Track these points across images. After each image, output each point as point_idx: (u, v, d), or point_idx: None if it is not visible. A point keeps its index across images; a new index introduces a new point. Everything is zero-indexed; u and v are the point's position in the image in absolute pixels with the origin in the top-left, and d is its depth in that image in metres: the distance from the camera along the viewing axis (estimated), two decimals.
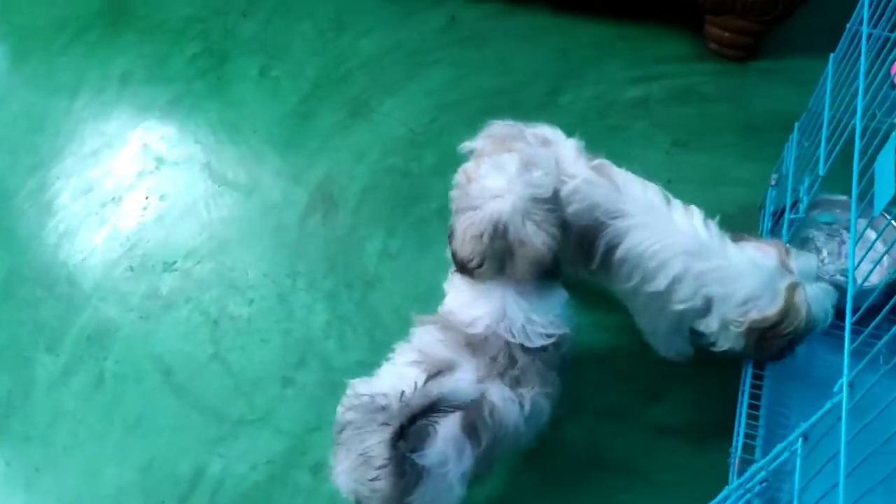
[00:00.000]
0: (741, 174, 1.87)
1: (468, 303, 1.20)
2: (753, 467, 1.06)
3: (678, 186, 1.83)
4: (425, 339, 1.17)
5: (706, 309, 1.27)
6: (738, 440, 1.39)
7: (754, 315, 1.21)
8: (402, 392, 1.02)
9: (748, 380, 1.45)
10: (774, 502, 1.29)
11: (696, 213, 1.33)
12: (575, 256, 1.38)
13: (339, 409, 1.10)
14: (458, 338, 1.16)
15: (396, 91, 2.04)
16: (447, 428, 1.06)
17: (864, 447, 0.87)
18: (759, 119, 1.98)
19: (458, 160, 1.88)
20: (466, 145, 1.45)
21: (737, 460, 1.37)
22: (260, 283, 1.70)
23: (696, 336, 1.39)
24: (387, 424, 0.99)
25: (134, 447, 1.50)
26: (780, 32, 2.06)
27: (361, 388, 1.10)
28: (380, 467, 1.00)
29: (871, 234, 1.62)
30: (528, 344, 1.14)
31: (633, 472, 1.44)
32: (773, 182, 1.69)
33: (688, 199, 1.79)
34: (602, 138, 1.93)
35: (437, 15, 2.23)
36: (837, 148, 1.24)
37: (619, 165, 1.85)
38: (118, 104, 2.07)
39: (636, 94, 2.03)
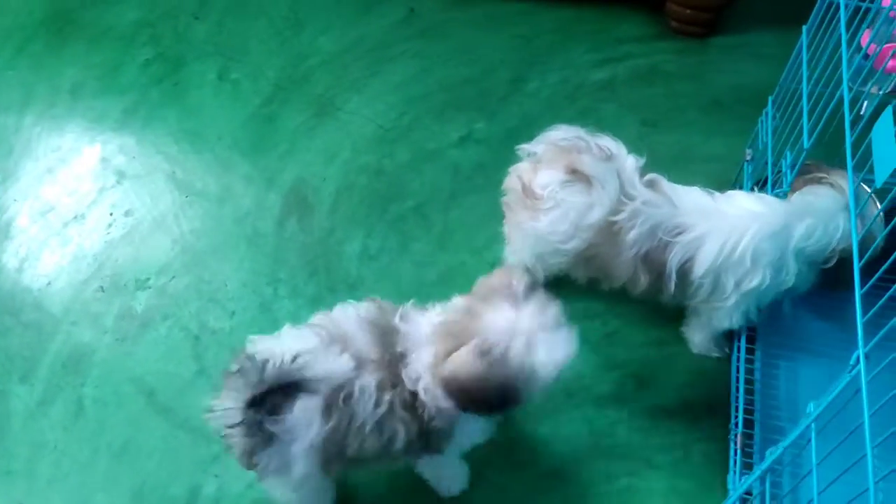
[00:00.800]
0: (711, 150, 1.88)
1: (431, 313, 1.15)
2: (779, 448, 1.07)
3: (652, 167, 1.84)
4: (347, 311, 1.16)
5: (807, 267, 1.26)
6: (738, 416, 1.40)
7: (843, 245, 1.22)
8: (265, 361, 1.02)
9: (742, 354, 1.47)
10: (778, 475, 1.30)
11: (740, 194, 1.31)
12: (648, 285, 1.32)
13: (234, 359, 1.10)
14: (378, 319, 1.14)
15: (361, 88, 2.00)
16: (307, 402, 1.06)
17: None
18: (723, 94, 2.00)
19: (430, 155, 1.87)
20: (525, 148, 1.39)
21: (738, 436, 1.39)
22: (240, 294, 1.65)
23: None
24: (248, 388, 1.03)
25: (123, 474, 1.45)
26: (738, 7, 2.08)
27: (256, 345, 1.11)
28: (232, 426, 1.05)
29: None
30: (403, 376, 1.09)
31: (633, 457, 1.45)
32: (748, 157, 1.71)
33: (665, 178, 1.81)
34: (573, 123, 1.91)
35: (395, 8, 2.19)
36: (823, 120, 1.25)
37: None
38: (71, 118, 1.99)
39: (602, 76, 2.03)
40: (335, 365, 1.07)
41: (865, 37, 1.48)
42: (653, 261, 1.28)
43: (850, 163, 1.05)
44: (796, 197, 1.29)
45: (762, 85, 2.01)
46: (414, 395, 1.10)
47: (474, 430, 1.20)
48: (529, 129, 1.90)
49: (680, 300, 1.38)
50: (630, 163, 1.29)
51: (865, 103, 1.57)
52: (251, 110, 1.96)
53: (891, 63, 1.51)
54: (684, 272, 1.28)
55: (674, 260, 1.26)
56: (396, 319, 1.14)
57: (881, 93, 1.62)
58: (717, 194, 1.32)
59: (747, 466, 1.36)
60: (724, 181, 1.81)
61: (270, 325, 1.60)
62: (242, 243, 1.73)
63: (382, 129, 1.92)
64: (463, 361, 1.03)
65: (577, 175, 1.26)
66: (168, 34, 2.15)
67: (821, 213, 1.25)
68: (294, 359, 1.04)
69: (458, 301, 1.13)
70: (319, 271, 1.68)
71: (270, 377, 1.02)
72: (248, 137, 1.91)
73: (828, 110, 1.24)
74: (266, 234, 1.74)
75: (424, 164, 1.86)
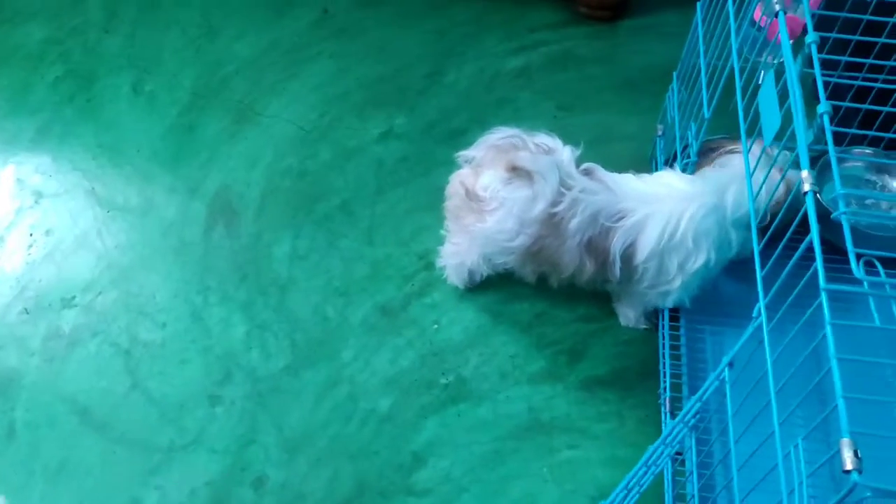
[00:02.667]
0: (626, 129, 1.94)
1: None
2: (690, 402, 1.12)
3: None
4: None
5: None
6: (666, 381, 1.46)
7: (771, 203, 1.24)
8: None
9: (666, 322, 1.52)
10: (707, 433, 1.36)
11: (666, 174, 1.36)
12: (594, 273, 1.35)
13: None
14: None
15: (280, 91, 2.00)
16: None
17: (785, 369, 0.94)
18: (634, 75, 2.06)
19: (352, 153, 1.89)
20: (464, 154, 1.41)
21: (667, 399, 1.45)
22: (170, 305, 1.64)
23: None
24: None
25: (61, 495, 1.43)
26: None
27: None
28: None
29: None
30: None
31: (572, 429, 1.49)
32: (659, 132, 1.77)
33: (582, 160, 1.86)
34: (491, 113, 1.96)
35: (308, 9, 2.19)
36: (718, 90, 1.31)
37: None
38: None
39: (517, 64, 2.07)
40: None
41: (758, 11, 1.56)
42: (596, 247, 1.31)
43: (742, 126, 1.10)
44: (712, 171, 1.34)
45: (669, 62, 2.07)
46: None
47: None
48: (449, 121, 1.95)
49: (626, 286, 1.42)
50: (567, 154, 1.33)
51: (763, 73, 1.65)
52: (169, 121, 1.95)
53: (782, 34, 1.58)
54: (628, 257, 1.32)
55: (616, 245, 1.30)
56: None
57: (775, 62, 1.70)
58: (647, 176, 1.37)
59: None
60: (641, 157, 1.88)
61: (203, 334, 1.60)
62: (169, 254, 1.71)
63: (303, 131, 1.92)
64: None
65: (517, 172, 1.29)
66: (78, 50, 2.11)
67: (742, 178, 1.29)
68: None
69: None
70: (249, 276, 1.68)
71: None
72: (168, 148, 1.89)
73: (722, 80, 1.29)
74: (193, 243, 1.72)
75: (347, 161, 1.87)
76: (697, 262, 1.30)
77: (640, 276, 1.35)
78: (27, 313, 1.64)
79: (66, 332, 1.61)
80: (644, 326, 1.59)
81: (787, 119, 1.01)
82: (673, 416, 1.43)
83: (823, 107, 0.85)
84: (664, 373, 1.49)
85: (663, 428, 1.45)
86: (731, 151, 1.37)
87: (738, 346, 1.02)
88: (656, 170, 1.81)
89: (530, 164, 1.29)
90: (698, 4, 1.48)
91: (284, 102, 1.98)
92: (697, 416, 1.19)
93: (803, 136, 0.86)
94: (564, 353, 1.59)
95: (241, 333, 1.60)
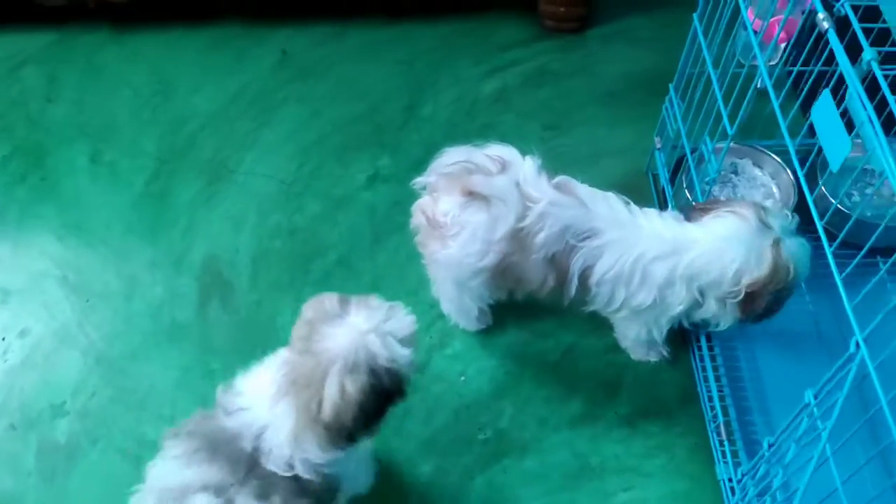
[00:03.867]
0: (617, 142, 1.89)
1: (253, 379, 1.13)
2: (777, 436, 1.06)
3: (563, 172, 1.83)
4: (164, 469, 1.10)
5: (703, 297, 1.24)
6: (716, 405, 1.41)
7: (747, 280, 1.18)
8: None
9: (704, 343, 1.47)
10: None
11: (653, 212, 1.29)
12: (552, 289, 1.32)
13: None
14: (211, 433, 1.07)
15: (252, 144, 1.88)
16: None
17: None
18: (614, 84, 2.02)
19: (341, 202, 1.78)
20: (419, 181, 1.34)
21: (719, 426, 1.39)
22: (174, 396, 1.51)
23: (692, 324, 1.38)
24: None
25: None
26: None
27: None
28: None
29: (757, 172, 1.71)
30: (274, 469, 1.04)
31: (623, 470, 1.42)
32: (658, 145, 1.72)
33: (579, 181, 1.80)
34: (475, 141, 1.88)
35: (266, 53, 2.08)
36: (746, 102, 1.25)
37: None
38: None
39: (494, 87, 2.00)
40: None
41: (750, 14, 1.52)
42: (559, 263, 1.27)
43: (730, 131, 1.06)
44: (692, 224, 1.27)
45: (647, 69, 2.05)
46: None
47: (358, 469, 1.18)
48: (435, 154, 1.86)
49: (579, 305, 1.37)
50: (528, 165, 1.27)
51: (761, 78, 1.62)
52: (138, 190, 1.80)
53: (781, 35, 1.55)
54: (584, 278, 1.27)
55: (576, 265, 1.25)
56: (222, 418, 1.08)
57: (774, 64, 1.66)
58: (634, 206, 1.30)
59: (733, 454, 1.37)
60: (636, 171, 1.83)
61: None
62: (163, 339, 1.58)
63: (285, 184, 1.81)
64: (339, 393, 0.98)
65: (474, 195, 1.24)
66: (21, 124, 1.95)
67: (714, 244, 1.21)
68: None
69: (276, 358, 1.11)
70: (255, 351, 1.53)
71: None
72: (141, 220, 1.75)
73: (722, 88, 1.25)
74: (187, 323, 1.60)
75: (338, 212, 1.77)
76: (638, 298, 1.27)
77: (592, 299, 1.31)
78: (14, 429, 1.49)
79: (63, 444, 1.47)
80: (654, 359, 1.53)
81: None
82: (727, 442, 1.38)
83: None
84: (709, 397, 1.44)
85: (716, 456, 1.40)
86: (734, 213, 1.27)
87: (825, 378, 0.97)
88: (654, 186, 1.78)
89: (485, 189, 1.24)
90: (695, 16, 1.43)
91: (259, 155, 1.86)
92: (772, 448, 1.15)
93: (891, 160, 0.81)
94: (600, 389, 1.52)
95: None
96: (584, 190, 1.29)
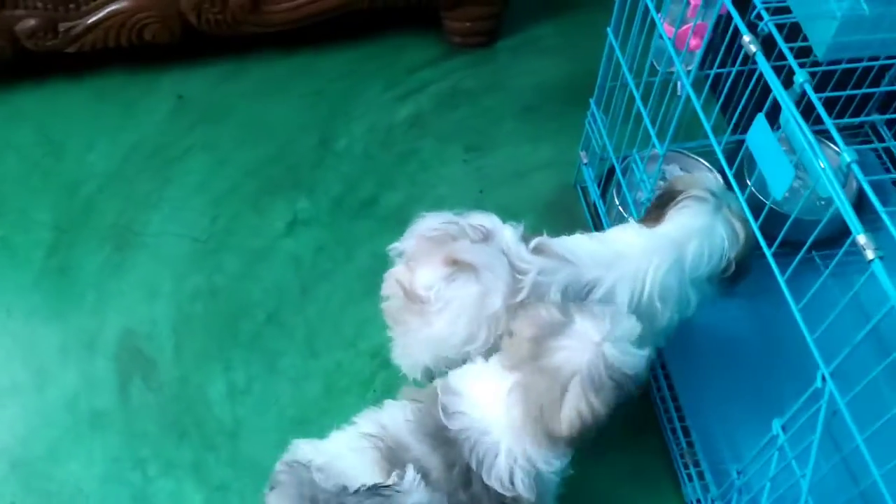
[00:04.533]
0: (541, 157, 1.85)
1: (471, 382, 1.06)
2: (745, 465, 1.03)
3: (492, 193, 1.79)
4: (394, 415, 1.05)
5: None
6: (675, 426, 1.38)
7: (733, 252, 1.19)
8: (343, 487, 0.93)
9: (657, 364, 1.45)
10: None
11: (618, 231, 1.25)
12: None
13: (277, 464, 1.01)
14: (429, 424, 1.02)
15: (157, 202, 1.75)
16: None
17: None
18: (529, 98, 1.97)
19: (262, 254, 1.67)
20: (395, 247, 1.23)
21: (682, 450, 1.37)
22: (103, 492, 1.38)
23: None
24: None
25: None
26: (512, 7, 2.05)
27: (303, 450, 1.01)
28: None
29: (678, 170, 1.69)
30: (491, 484, 0.99)
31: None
32: (584, 160, 1.69)
33: (506, 202, 1.76)
34: (398, 171, 1.81)
35: (159, 100, 1.94)
36: (678, 110, 1.22)
37: (427, 195, 1.77)
38: None
39: (408, 112, 1.93)
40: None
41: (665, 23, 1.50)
42: None
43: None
44: (667, 225, 1.24)
45: (560, 78, 2.02)
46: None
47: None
48: (355, 191, 1.78)
49: None
50: (509, 234, 1.18)
51: (679, 83, 1.60)
52: (37, 267, 1.65)
53: (693, 41, 1.53)
54: None
55: None
56: (439, 413, 1.02)
57: (690, 69, 1.64)
58: (600, 235, 1.25)
59: (690, 477, 1.35)
60: (565, 185, 1.80)
61: None
62: (84, 431, 1.44)
63: (199, 242, 1.69)
64: (585, 410, 0.96)
65: (459, 265, 1.13)
66: None
67: (699, 231, 1.20)
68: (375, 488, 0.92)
69: (495, 362, 1.06)
70: (189, 431, 1.45)
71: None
72: (45, 301, 1.60)
73: (681, 102, 1.22)
74: (109, 410, 1.47)
75: (259, 266, 1.66)
76: (663, 320, 1.22)
77: None
78: None
79: None
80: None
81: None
82: (691, 464, 1.36)
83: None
84: (667, 418, 1.41)
85: (684, 486, 1.37)
86: (690, 197, 1.26)
87: (793, 410, 0.95)
88: (584, 199, 1.74)
89: (473, 257, 1.13)
90: (609, 30, 1.39)
91: (167, 214, 1.73)
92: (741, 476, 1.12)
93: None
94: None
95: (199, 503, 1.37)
96: (558, 245, 1.21)
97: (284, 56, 2.02)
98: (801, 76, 0.85)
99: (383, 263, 1.64)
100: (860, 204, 1.54)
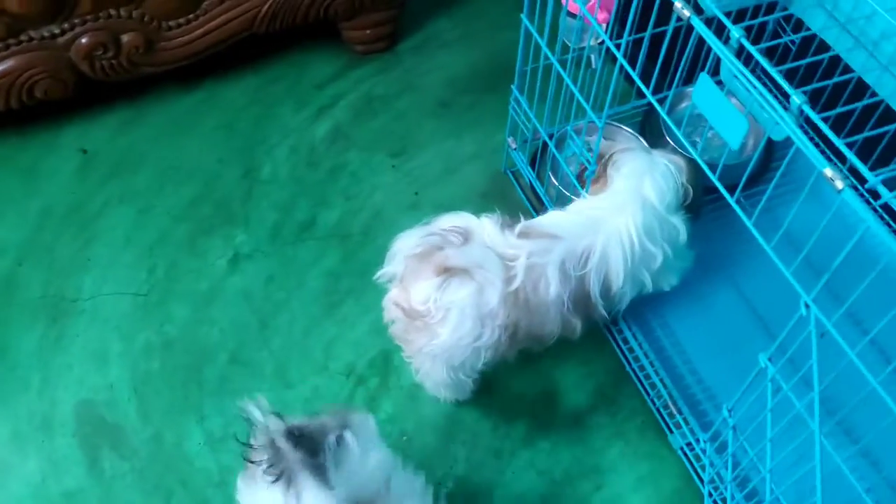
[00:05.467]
0: (466, 150, 1.87)
1: None
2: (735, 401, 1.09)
3: (427, 193, 1.80)
4: None
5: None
6: (653, 379, 1.43)
7: (683, 178, 1.28)
8: None
9: (623, 325, 1.50)
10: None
11: (583, 201, 1.31)
12: (581, 328, 1.27)
13: None
14: None
15: (85, 264, 1.66)
16: None
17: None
18: (441, 94, 1.99)
19: (210, 296, 1.62)
20: (384, 273, 1.21)
21: (667, 403, 1.42)
22: None
23: None
24: None
25: None
26: (408, 8, 2.07)
27: None
28: None
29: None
30: None
31: (588, 471, 1.42)
32: (513, 146, 1.72)
33: (442, 199, 1.77)
34: (329, 189, 1.79)
35: (63, 158, 1.84)
36: (613, 83, 1.27)
37: (364, 206, 1.76)
38: None
39: (326, 128, 1.91)
40: None
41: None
42: (579, 301, 1.22)
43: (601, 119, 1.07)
44: (618, 176, 1.29)
45: (466, 69, 2.05)
46: None
47: None
48: (291, 216, 1.76)
49: (607, 315, 1.32)
50: (489, 226, 1.19)
51: (593, 56, 1.66)
52: None
53: (600, 15, 1.59)
54: (605, 291, 1.24)
55: (595, 287, 1.21)
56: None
57: (599, 43, 1.71)
58: (568, 208, 1.29)
59: (685, 421, 1.41)
60: (495, 173, 1.82)
61: None
62: None
63: (140, 296, 1.62)
64: None
65: (450, 272, 1.13)
66: None
67: (645, 170, 1.27)
68: None
69: None
70: (175, 491, 1.39)
71: None
72: None
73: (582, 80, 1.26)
74: (83, 487, 1.39)
75: (210, 308, 1.61)
76: (658, 261, 1.27)
77: (620, 300, 1.29)
78: None
79: None
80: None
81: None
82: (676, 412, 1.41)
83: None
84: (644, 374, 1.47)
85: (665, 426, 1.43)
86: (620, 151, 1.33)
87: (740, 393, 1.01)
88: (518, 183, 1.78)
89: (460, 260, 1.14)
90: (523, 16, 1.42)
91: (98, 274, 1.65)
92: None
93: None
94: (539, 401, 1.50)
95: None
96: (542, 224, 1.24)
97: (186, 92, 1.96)
98: (736, 32, 0.90)
99: (336, 281, 1.64)
100: (769, 155, 1.68)
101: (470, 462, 1.43)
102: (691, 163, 1.32)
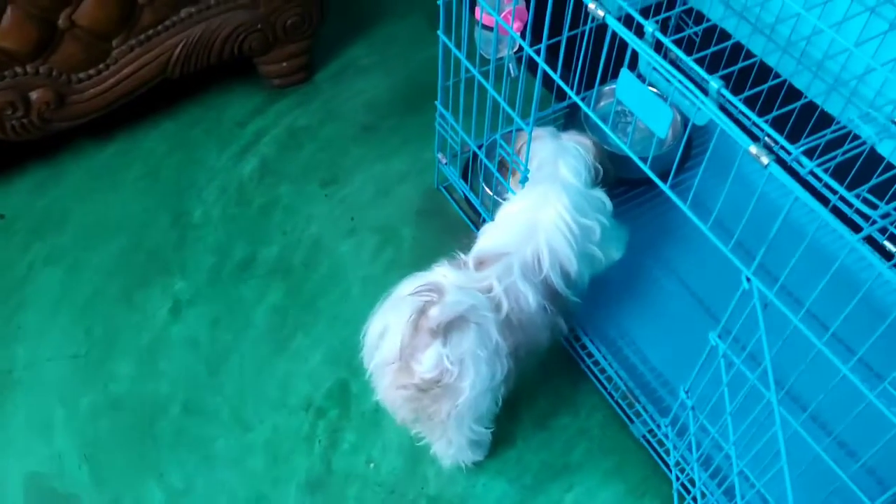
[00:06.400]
0: (395, 171, 1.88)
1: None
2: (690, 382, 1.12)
3: (363, 219, 1.80)
4: None
5: None
6: (609, 373, 1.46)
7: (591, 155, 1.34)
8: None
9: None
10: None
11: (508, 203, 1.35)
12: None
13: None
14: None
15: (16, 333, 1.60)
16: None
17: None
18: (363, 118, 2.00)
19: (154, 346, 1.58)
20: (377, 364, 1.17)
21: (623, 392, 1.45)
22: None
23: None
24: None
25: None
26: (321, 37, 2.07)
27: None
28: None
29: None
30: None
31: (556, 474, 1.44)
32: (443, 161, 1.74)
33: (378, 223, 1.78)
34: (263, 226, 1.77)
35: None
36: (536, 92, 1.29)
37: (301, 238, 1.75)
38: None
39: (253, 165, 1.89)
40: None
41: (480, 14, 1.58)
42: (553, 299, 1.25)
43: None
44: (533, 175, 1.34)
45: (384, 93, 2.07)
46: None
47: None
48: (229, 257, 1.73)
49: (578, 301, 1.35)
50: (447, 272, 1.18)
51: (511, 65, 1.69)
52: None
53: (516, 25, 1.62)
54: (567, 279, 1.27)
55: (558, 282, 1.24)
56: None
57: (516, 52, 1.75)
58: (497, 221, 1.32)
59: (637, 414, 1.44)
60: (429, 190, 1.84)
61: None
62: None
63: (79, 358, 1.56)
64: None
65: (444, 329, 1.10)
66: None
67: (555, 154, 1.33)
68: None
69: None
70: None
71: None
72: None
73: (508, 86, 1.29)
74: None
75: (156, 360, 1.56)
76: (597, 232, 1.30)
77: (581, 282, 1.32)
78: None
79: None
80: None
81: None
82: (634, 402, 1.44)
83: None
84: (599, 369, 1.50)
85: (625, 417, 1.46)
86: (529, 141, 1.37)
87: (694, 373, 1.05)
88: (452, 197, 1.80)
89: (450, 314, 1.10)
90: (440, 33, 1.45)
91: (32, 342, 1.58)
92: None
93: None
94: (502, 408, 1.51)
95: None
96: (486, 249, 1.25)
97: (103, 145, 1.91)
98: (649, 26, 0.94)
99: (283, 317, 1.63)
100: (689, 146, 1.75)
101: (440, 479, 1.43)
102: (596, 144, 1.39)
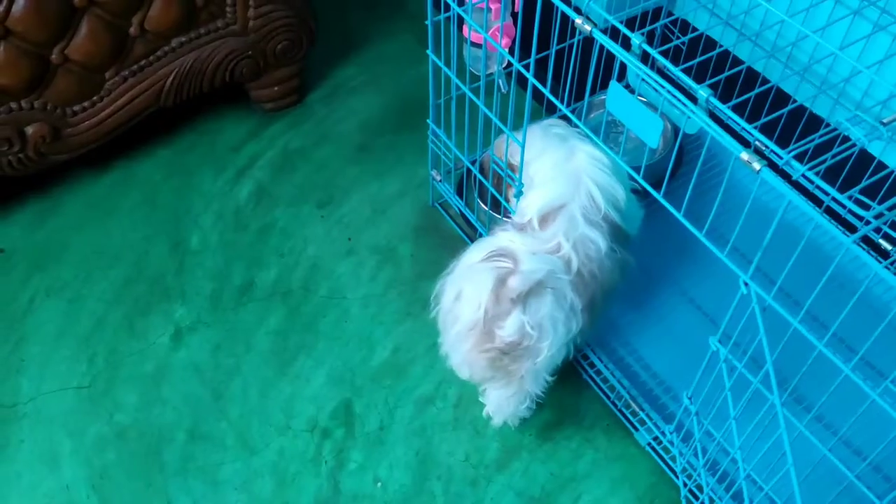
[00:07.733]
0: (391, 189, 1.89)
1: None
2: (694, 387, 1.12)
3: (360, 238, 1.81)
4: None
5: None
6: (611, 381, 1.47)
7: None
8: None
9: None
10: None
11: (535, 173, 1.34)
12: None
13: None
14: None
15: (19, 366, 1.60)
16: None
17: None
18: (357, 139, 2.01)
19: (158, 375, 1.59)
20: (471, 323, 1.17)
21: (626, 400, 1.46)
22: None
23: None
24: None
25: None
26: (311, 60, 2.09)
27: None
28: None
29: None
30: None
31: (565, 483, 1.44)
32: (437, 179, 1.75)
33: (376, 241, 1.79)
34: (261, 248, 1.78)
35: None
36: (527, 108, 1.31)
37: (299, 261, 1.76)
38: None
39: (249, 189, 1.90)
40: None
41: (469, 33, 1.60)
42: (615, 234, 1.27)
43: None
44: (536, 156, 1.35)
45: (377, 112, 2.09)
46: None
47: None
48: (229, 281, 1.74)
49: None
50: (514, 237, 1.21)
51: (501, 81, 1.71)
52: None
53: (504, 41, 1.64)
54: (620, 212, 1.29)
55: (615, 215, 1.27)
56: None
57: (505, 68, 1.77)
58: (528, 173, 1.34)
59: (641, 422, 1.45)
60: (424, 208, 1.85)
61: None
62: None
63: (84, 389, 1.56)
64: None
65: (524, 296, 1.14)
66: None
67: (566, 136, 1.34)
68: None
69: None
70: None
71: None
72: None
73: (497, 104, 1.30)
74: None
75: (160, 388, 1.57)
76: (621, 193, 1.30)
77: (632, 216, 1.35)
78: None
79: None
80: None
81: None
82: (638, 410, 1.45)
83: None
84: (601, 378, 1.50)
85: (629, 426, 1.46)
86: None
87: (697, 379, 1.06)
88: (447, 214, 1.81)
89: (532, 280, 1.14)
90: (429, 52, 1.46)
91: (35, 374, 1.59)
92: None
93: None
94: (505, 423, 1.51)
95: None
96: (543, 202, 1.26)
97: (99, 175, 1.92)
98: (636, 38, 0.96)
99: (284, 339, 1.63)
100: (680, 154, 1.76)
101: (448, 495, 1.43)
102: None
